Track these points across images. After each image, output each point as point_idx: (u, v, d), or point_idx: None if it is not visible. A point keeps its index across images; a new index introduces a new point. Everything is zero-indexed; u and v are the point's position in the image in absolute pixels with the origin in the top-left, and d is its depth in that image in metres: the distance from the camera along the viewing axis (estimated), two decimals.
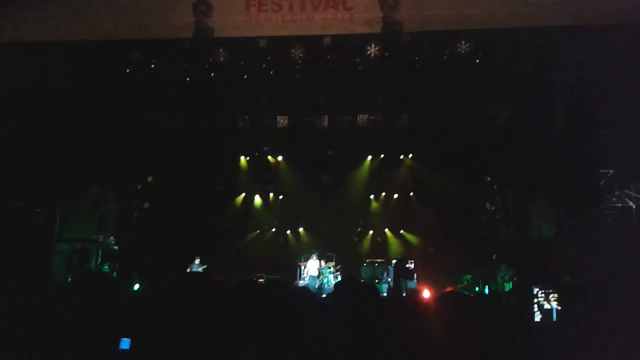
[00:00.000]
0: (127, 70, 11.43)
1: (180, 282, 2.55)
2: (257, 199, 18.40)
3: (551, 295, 10.39)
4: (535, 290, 10.02)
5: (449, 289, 13.42)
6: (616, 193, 11.50)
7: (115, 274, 14.62)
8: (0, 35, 10.07)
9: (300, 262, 15.88)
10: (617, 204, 11.47)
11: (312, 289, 14.28)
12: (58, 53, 10.77)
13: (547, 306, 10.50)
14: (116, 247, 14.46)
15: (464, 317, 2.84)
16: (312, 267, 15.07)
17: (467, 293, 13.06)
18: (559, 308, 9.95)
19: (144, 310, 2.24)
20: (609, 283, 8.71)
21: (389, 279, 15.13)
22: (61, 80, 11.27)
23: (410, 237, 17.60)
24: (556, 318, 9.34)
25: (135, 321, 2.16)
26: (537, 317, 9.60)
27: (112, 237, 14.34)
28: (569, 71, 10.70)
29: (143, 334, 2.08)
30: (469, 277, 15.64)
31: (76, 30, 10.10)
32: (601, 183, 11.64)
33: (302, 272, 15.50)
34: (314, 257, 15.15)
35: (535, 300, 10.16)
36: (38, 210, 12.49)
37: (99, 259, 14.12)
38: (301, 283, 14.94)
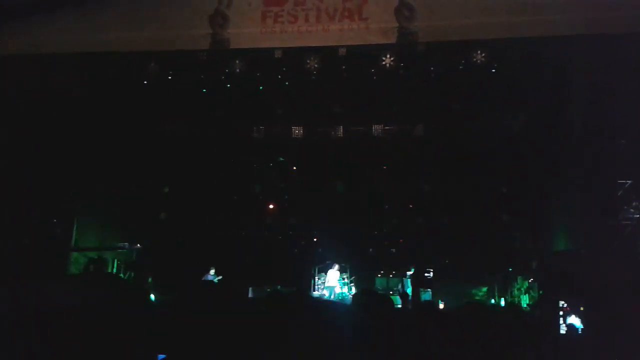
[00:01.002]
0: (145, 82, 11.54)
1: (198, 292, 2.55)
2: (272, 209, 18.39)
3: (575, 308, 10.26)
4: (561, 303, 9.91)
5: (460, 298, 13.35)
6: (634, 204, 11.35)
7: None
8: (19, 47, 10.24)
9: (315, 273, 15.85)
10: (635, 215, 11.32)
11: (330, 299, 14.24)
12: (75, 65, 10.93)
13: (571, 319, 10.39)
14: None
15: (489, 329, 2.80)
16: (332, 278, 15.00)
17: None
18: (583, 320, 9.83)
19: (166, 322, 2.24)
20: (629, 293, 8.58)
21: (404, 290, 15.03)
22: (79, 91, 11.42)
23: (425, 248, 17.45)
24: (581, 330, 9.21)
25: (159, 333, 2.16)
26: (562, 330, 9.50)
27: (138, 245, 14.37)
28: (585, 80, 10.62)
29: (169, 347, 2.07)
30: (484, 289, 15.50)
31: (93, 42, 10.25)
32: (619, 193, 11.50)
33: (316, 283, 15.46)
34: (335, 268, 15.07)
35: (561, 313, 10.05)
36: (55, 220, 12.60)
37: (114, 269, 14.19)
38: (315, 294, 14.89)
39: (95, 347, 2.09)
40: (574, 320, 10.29)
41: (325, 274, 15.66)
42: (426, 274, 13.90)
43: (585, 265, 10.72)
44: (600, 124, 11.03)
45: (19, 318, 2.22)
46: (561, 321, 10.10)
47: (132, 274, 14.66)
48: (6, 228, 10.54)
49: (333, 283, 14.89)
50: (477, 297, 15.09)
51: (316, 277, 15.68)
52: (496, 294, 15.00)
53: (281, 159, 17.60)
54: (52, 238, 12.23)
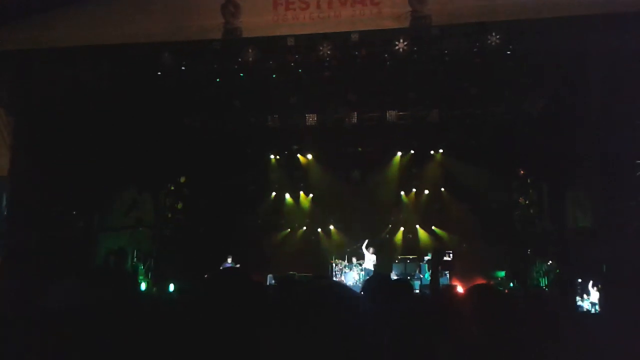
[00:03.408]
0: (159, 73, 11.58)
1: (217, 280, 2.57)
2: (288, 198, 18.47)
3: (594, 287, 10.21)
4: (579, 282, 9.86)
5: (479, 281, 13.31)
6: None
7: (150, 274, 14.92)
8: (34, 42, 10.33)
9: (332, 260, 15.93)
10: None
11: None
12: (89, 58, 10.98)
13: (589, 298, 10.34)
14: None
15: (500, 311, 2.80)
16: (368, 261, 15.07)
17: (501, 289, 12.89)
18: (601, 299, 9.79)
19: (182, 312, 2.26)
20: None
21: (422, 276, 15.05)
22: (94, 84, 11.49)
23: (442, 233, 17.44)
24: (600, 309, 9.17)
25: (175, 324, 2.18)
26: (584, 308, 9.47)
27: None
28: (604, 60, 10.43)
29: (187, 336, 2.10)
30: (502, 273, 15.46)
31: (107, 34, 10.29)
32: (638, 174, 11.36)
33: (334, 270, 15.55)
34: (370, 251, 15.12)
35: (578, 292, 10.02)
36: (75, 213, 12.75)
37: (135, 259, 14.39)
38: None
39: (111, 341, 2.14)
40: (593, 298, 10.27)
41: (344, 260, 15.75)
42: (446, 257, 13.82)
43: (603, 245, 10.64)
44: (619, 104, 10.87)
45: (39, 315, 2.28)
46: (579, 300, 10.09)
47: (152, 264, 14.86)
48: (29, 223, 10.71)
49: (369, 265, 14.95)
50: (496, 282, 15.05)
51: (334, 264, 15.76)
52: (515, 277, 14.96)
53: (295, 147, 17.64)
54: (73, 232, 12.38)
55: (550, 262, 13.70)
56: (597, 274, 10.33)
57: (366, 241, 15.41)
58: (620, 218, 11.09)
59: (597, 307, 9.97)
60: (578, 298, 10.22)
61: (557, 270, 12.93)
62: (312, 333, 1.86)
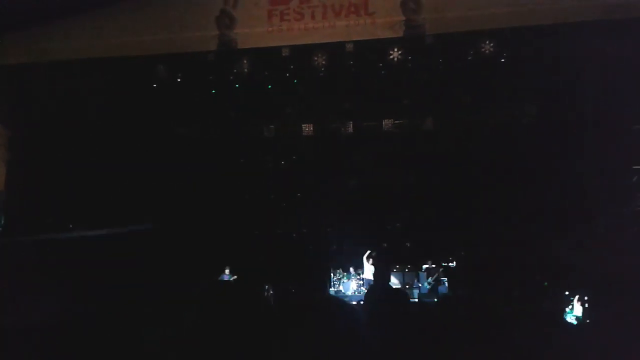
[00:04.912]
0: (154, 85, 11.59)
1: (214, 293, 2.56)
2: (285, 207, 18.41)
3: (583, 298, 10.18)
4: (567, 292, 9.83)
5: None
6: None
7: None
8: (28, 56, 10.35)
9: (330, 270, 15.88)
10: None
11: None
12: (85, 71, 11.01)
13: (578, 309, 10.31)
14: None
15: (490, 321, 2.80)
16: (367, 271, 15.00)
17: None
18: (591, 310, 9.74)
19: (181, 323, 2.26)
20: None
21: (419, 284, 15.01)
22: (89, 97, 11.50)
23: (439, 242, 17.39)
24: (589, 320, 9.14)
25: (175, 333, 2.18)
26: (571, 320, 9.42)
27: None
28: (598, 66, 10.49)
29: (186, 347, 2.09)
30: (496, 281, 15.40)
31: (102, 47, 10.33)
32: (633, 180, 11.39)
33: (332, 280, 15.49)
34: (370, 261, 15.06)
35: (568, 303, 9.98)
36: (71, 226, 12.72)
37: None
38: (332, 291, 14.93)
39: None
40: (582, 309, 10.24)
41: (343, 270, 15.70)
42: (450, 264, 13.81)
43: (597, 255, 10.63)
44: (614, 111, 10.91)
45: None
46: (570, 312, 10.06)
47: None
48: (25, 236, 10.67)
49: (369, 276, 14.87)
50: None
51: (332, 274, 15.70)
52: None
53: (292, 156, 17.62)
54: (70, 243, 12.33)
55: (542, 272, 13.69)
56: (582, 287, 10.31)
57: (368, 252, 15.34)
58: (614, 226, 11.11)
59: (580, 320, 9.95)
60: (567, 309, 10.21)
61: (545, 283, 12.93)
62: (310, 346, 1.86)
